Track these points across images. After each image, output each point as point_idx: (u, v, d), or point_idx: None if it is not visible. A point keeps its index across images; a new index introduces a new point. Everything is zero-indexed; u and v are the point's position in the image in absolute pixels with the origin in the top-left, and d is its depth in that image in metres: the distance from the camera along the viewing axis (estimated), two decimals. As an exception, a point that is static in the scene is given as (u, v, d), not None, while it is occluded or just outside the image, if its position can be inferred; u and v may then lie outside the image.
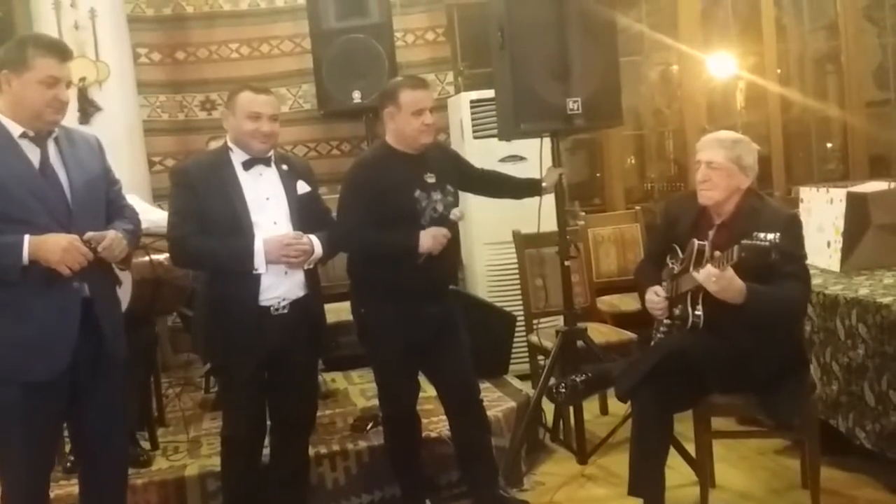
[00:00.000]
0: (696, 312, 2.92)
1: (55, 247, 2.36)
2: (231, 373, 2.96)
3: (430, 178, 3.10)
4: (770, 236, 2.56)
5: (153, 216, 3.31)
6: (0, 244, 2.34)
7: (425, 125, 3.06)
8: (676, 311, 3.03)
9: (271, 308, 2.87)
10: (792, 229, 2.85)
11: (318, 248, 2.92)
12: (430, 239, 3.02)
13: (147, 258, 3.28)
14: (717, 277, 2.71)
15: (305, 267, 2.92)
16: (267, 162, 2.95)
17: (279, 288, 2.88)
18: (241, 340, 2.85)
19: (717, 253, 2.79)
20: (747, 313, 2.77)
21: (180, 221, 2.88)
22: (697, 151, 3.04)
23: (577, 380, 3.37)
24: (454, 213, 3.14)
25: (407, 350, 3.10)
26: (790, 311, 2.88)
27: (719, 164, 2.93)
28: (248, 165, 2.92)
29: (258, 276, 2.83)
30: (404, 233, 3.03)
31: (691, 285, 2.89)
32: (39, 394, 2.41)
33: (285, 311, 2.90)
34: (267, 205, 2.91)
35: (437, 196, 3.10)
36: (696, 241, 2.96)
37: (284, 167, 2.99)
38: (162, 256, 3.33)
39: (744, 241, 2.61)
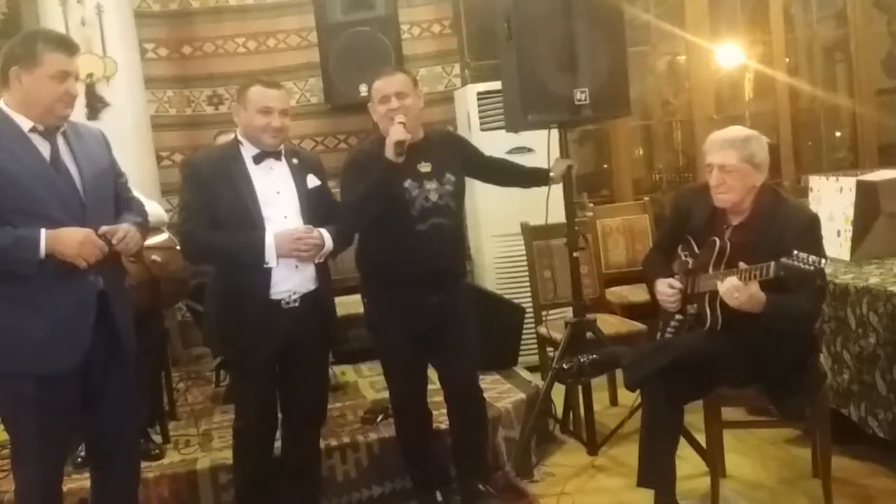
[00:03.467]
0: (716, 314, 2.87)
1: (71, 240, 2.38)
2: (243, 366, 2.98)
3: (425, 168, 3.08)
4: (814, 259, 2.48)
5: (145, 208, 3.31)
6: (17, 238, 2.35)
7: (390, 111, 3.03)
8: (691, 309, 3.00)
9: (282, 302, 2.88)
10: (813, 232, 2.77)
11: (329, 242, 2.92)
12: (391, 137, 2.95)
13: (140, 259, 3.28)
14: (740, 292, 2.65)
15: (316, 261, 2.93)
16: (277, 156, 2.95)
17: (290, 282, 2.89)
18: (253, 334, 2.86)
19: (742, 264, 2.70)
20: (763, 322, 2.72)
21: (190, 215, 2.89)
22: (706, 154, 2.92)
23: (584, 361, 3.37)
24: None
25: (409, 340, 3.10)
26: (806, 320, 2.84)
27: (733, 167, 2.82)
28: (258, 159, 2.92)
29: (269, 270, 2.84)
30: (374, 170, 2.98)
31: (711, 287, 2.84)
32: (53, 387, 2.43)
33: (296, 304, 2.90)
34: (277, 198, 2.91)
35: (431, 185, 3.08)
36: (718, 241, 2.90)
37: (294, 161, 2.99)
38: (154, 255, 3.33)
39: (783, 260, 2.54)
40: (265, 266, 2.83)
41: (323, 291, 3.00)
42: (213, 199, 2.86)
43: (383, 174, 2.98)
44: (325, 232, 2.92)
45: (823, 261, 2.50)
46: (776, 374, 2.87)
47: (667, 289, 3.04)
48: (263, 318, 2.85)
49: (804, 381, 2.90)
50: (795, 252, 2.51)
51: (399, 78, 3.11)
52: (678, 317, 3.07)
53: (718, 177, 2.86)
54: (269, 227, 2.84)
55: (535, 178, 3.53)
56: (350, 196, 3.04)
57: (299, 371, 2.99)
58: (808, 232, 2.73)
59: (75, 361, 2.44)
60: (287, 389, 3.01)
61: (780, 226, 2.72)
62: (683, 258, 3.07)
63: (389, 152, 2.95)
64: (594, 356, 3.39)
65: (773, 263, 2.57)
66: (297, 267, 2.89)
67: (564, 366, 3.41)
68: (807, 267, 2.49)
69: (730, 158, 2.83)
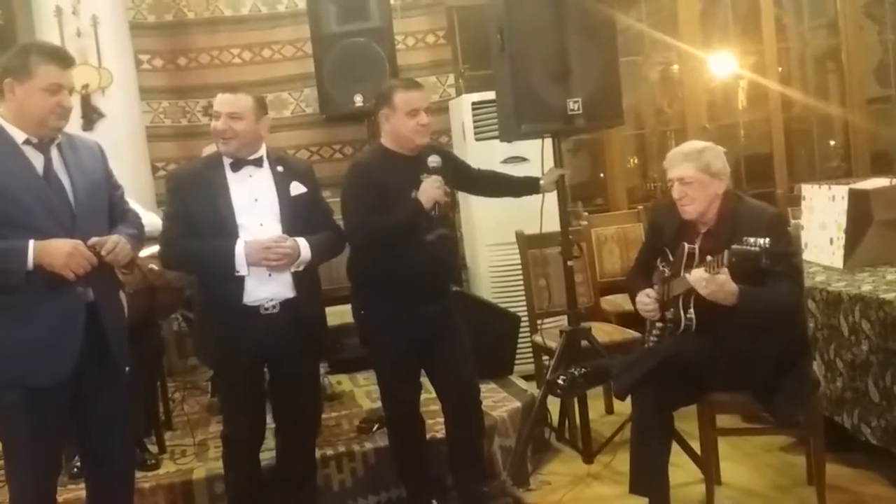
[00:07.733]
0: (688, 315, 2.94)
1: (59, 252, 2.38)
2: (224, 373, 3.00)
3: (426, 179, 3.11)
4: (760, 241, 2.59)
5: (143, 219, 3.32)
6: (5, 249, 2.36)
7: (420, 125, 3.07)
8: (668, 315, 3.06)
9: (260, 308, 2.87)
10: (776, 228, 2.86)
11: (305, 252, 2.89)
12: (427, 192, 3.01)
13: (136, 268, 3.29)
14: (708, 281, 2.74)
15: (291, 270, 2.90)
16: (258, 162, 2.96)
17: (265, 290, 2.87)
18: (228, 340, 2.87)
19: (709, 257, 2.80)
20: (740, 315, 2.80)
21: (170, 225, 2.95)
22: (666, 170, 3.05)
23: (577, 373, 3.39)
24: (432, 160, 3.11)
25: (407, 350, 3.11)
26: (782, 310, 2.89)
27: (691, 178, 2.95)
28: (236, 167, 2.93)
29: (241, 278, 2.84)
30: (402, 206, 3.02)
31: (682, 288, 2.92)
32: (43, 398, 2.42)
33: (275, 310, 2.89)
34: (255, 206, 2.91)
35: None
36: (687, 245, 2.99)
37: (279, 168, 2.99)
38: (151, 263, 3.35)
39: (734, 247, 2.64)
40: (236, 275, 2.83)
41: (304, 299, 2.95)
42: (191, 209, 2.89)
43: (414, 217, 3.02)
44: (301, 241, 2.89)
45: (767, 241, 2.59)
46: (763, 376, 2.89)
47: (644, 298, 3.12)
48: (241, 324, 2.86)
49: (794, 385, 2.91)
50: (744, 238, 2.62)
51: (426, 94, 3.17)
52: (658, 324, 3.13)
53: (680, 190, 2.99)
54: (243, 235, 2.84)
55: (525, 187, 3.55)
56: (357, 208, 3.04)
57: (289, 381, 2.99)
58: (772, 227, 2.80)
59: (64, 373, 2.43)
60: (278, 398, 3.02)
61: (745, 227, 2.80)
62: (661, 268, 3.15)
63: (428, 205, 3.01)
64: (587, 368, 3.40)
65: (725, 251, 2.68)
66: (270, 275, 2.87)
67: (558, 380, 3.42)
68: (752, 248, 2.59)
69: (687, 171, 2.96)
